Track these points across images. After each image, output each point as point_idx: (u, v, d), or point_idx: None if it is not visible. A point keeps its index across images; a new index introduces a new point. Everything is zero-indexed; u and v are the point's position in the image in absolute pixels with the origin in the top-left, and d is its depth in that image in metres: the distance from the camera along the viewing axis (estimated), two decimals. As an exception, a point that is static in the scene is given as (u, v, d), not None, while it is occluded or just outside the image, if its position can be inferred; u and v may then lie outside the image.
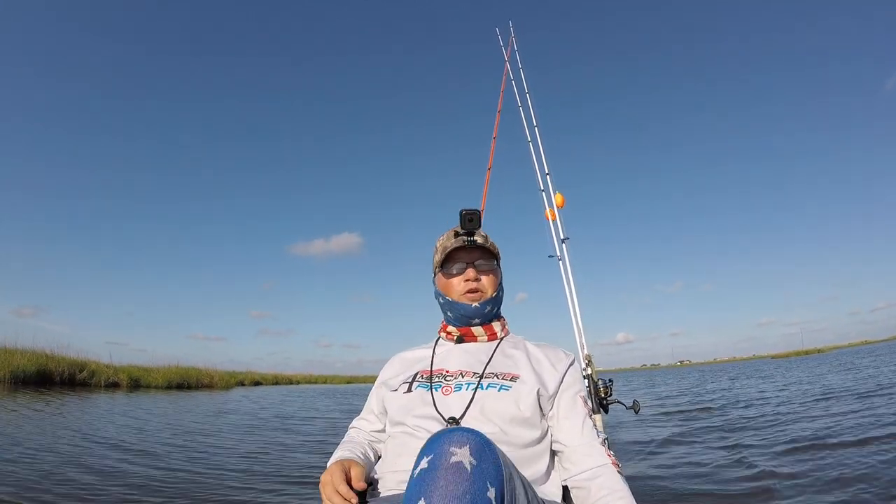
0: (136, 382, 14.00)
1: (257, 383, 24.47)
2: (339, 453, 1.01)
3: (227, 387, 18.57)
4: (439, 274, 1.13)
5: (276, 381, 27.92)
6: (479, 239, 1.09)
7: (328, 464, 0.94)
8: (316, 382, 34.38)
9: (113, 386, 13.06)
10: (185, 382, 15.93)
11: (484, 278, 1.10)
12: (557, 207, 1.99)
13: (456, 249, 1.09)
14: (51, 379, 11.39)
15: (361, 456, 1.01)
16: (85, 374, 12.28)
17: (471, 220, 1.06)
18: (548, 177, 2.13)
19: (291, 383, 29.81)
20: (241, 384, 22.08)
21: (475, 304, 1.07)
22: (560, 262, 1.85)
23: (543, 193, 2.08)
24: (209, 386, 17.24)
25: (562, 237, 1.90)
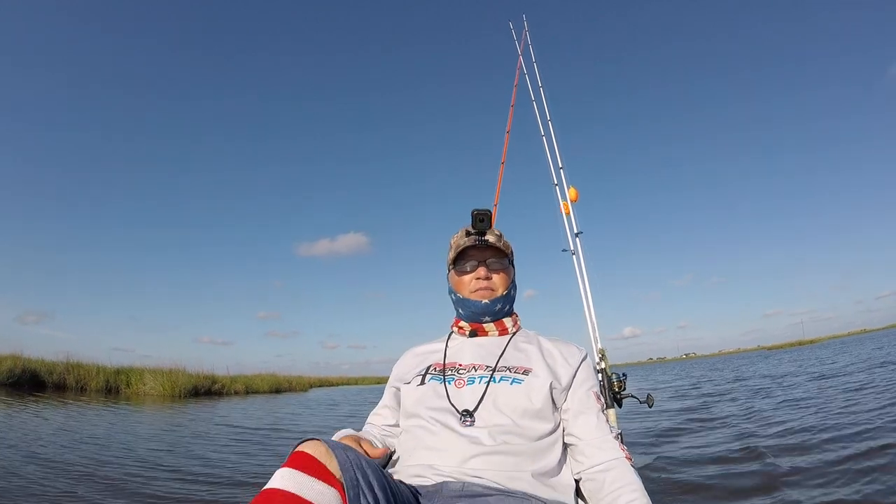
0: (248, 389, 16.28)
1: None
2: (343, 431, 1.03)
3: (304, 389, 20.76)
4: (452, 271, 1.16)
5: (321, 384, 30.13)
6: (491, 238, 1.12)
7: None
8: (351, 384, 36.39)
9: (234, 393, 15.32)
10: (280, 387, 18.23)
11: (495, 276, 1.12)
12: (571, 202, 1.99)
13: (468, 248, 1.13)
14: (198, 391, 13.51)
15: (370, 437, 1.06)
16: (217, 385, 14.69)
17: (482, 221, 1.10)
18: (561, 171, 2.11)
19: (332, 385, 31.88)
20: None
21: (485, 300, 1.10)
22: (574, 257, 1.84)
23: (557, 188, 2.07)
24: (289, 389, 19.63)
25: (575, 231, 1.90)
